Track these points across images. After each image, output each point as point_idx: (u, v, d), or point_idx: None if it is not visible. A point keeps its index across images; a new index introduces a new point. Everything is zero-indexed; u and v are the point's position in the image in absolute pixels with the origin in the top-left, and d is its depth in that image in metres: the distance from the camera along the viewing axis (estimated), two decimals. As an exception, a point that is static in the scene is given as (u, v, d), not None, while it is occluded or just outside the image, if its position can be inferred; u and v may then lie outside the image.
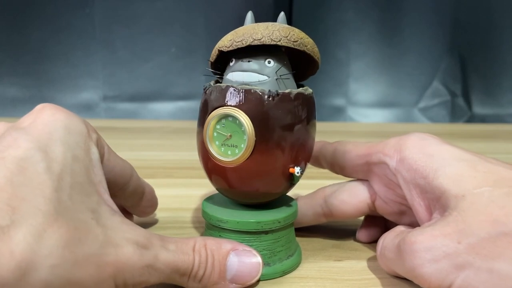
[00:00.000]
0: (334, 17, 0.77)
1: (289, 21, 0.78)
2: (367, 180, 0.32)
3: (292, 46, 0.26)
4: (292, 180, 0.28)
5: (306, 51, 0.27)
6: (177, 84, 0.77)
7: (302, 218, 0.32)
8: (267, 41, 0.26)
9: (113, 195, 0.26)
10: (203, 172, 0.29)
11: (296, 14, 0.75)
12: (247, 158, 0.27)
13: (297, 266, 0.30)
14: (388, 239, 0.28)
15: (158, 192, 0.43)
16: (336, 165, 0.33)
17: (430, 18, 0.77)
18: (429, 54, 0.78)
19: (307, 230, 0.35)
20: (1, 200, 0.20)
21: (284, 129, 0.27)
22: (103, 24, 0.75)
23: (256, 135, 0.26)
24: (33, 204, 0.20)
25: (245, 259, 0.26)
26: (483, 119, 0.80)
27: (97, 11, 0.74)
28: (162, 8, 0.75)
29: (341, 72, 0.78)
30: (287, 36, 0.26)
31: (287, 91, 0.27)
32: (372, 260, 0.31)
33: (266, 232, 0.28)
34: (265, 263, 0.28)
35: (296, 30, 0.27)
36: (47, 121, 0.23)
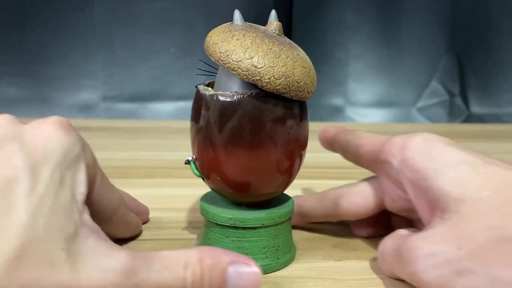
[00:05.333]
0: (334, 17, 0.77)
1: (289, 21, 0.78)
2: (376, 179, 0.32)
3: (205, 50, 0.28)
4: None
5: (208, 56, 0.27)
6: (177, 84, 0.77)
7: (312, 217, 0.34)
8: None
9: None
10: (204, 173, 0.29)
11: (296, 14, 0.75)
12: None
13: (285, 265, 0.30)
14: (388, 244, 0.28)
15: (158, 192, 0.43)
16: (348, 155, 0.34)
17: (428, 18, 0.77)
18: (427, 54, 0.79)
19: (307, 230, 0.35)
20: None
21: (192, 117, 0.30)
22: (103, 24, 0.75)
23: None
24: (6, 236, 0.20)
25: (244, 271, 0.23)
26: (480, 119, 0.80)
27: (97, 11, 0.74)
28: (162, 8, 0.75)
29: (340, 72, 0.78)
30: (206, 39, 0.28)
31: (197, 84, 0.30)
32: (372, 260, 0.31)
33: (253, 228, 0.28)
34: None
35: (232, 40, 0.26)
36: (48, 137, 0.23)
